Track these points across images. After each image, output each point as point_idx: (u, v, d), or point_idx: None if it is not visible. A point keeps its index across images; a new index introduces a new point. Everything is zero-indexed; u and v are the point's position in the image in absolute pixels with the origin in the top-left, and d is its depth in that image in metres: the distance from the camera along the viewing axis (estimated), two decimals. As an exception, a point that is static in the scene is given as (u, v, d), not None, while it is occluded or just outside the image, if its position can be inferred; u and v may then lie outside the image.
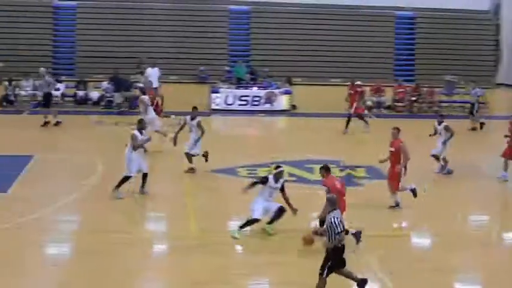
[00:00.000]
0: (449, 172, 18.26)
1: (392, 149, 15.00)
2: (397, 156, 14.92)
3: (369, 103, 27.80)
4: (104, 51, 33.31)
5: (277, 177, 13.25)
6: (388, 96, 28.83)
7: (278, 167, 13.44)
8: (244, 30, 36.06)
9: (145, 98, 20.23)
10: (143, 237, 13.46)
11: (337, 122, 23.77)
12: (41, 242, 12.99)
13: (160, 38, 34.09)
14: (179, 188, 16.62)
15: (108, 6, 34.80)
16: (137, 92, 22.47)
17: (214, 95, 27.15)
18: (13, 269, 11.55)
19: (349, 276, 10.67)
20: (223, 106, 27.03)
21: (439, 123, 18.48)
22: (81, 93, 27.05)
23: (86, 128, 23.73)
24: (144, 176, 15.41)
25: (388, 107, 28.36)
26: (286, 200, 13.34)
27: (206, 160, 17.61)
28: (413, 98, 28.60)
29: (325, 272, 10.22)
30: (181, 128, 17.68)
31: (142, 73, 27.41)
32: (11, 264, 11.73)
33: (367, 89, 27.77)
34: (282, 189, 13.34)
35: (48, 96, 23.11)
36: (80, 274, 11.47)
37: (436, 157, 18.33)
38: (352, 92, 23.85)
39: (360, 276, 10.76)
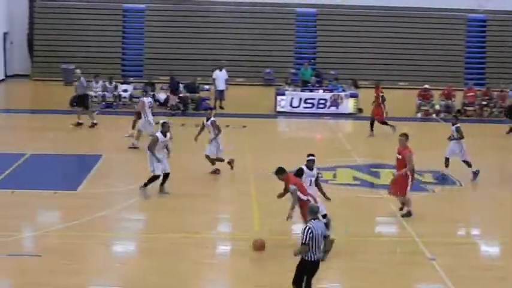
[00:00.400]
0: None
1: (400, 157, 14.62)
2: (404, 164, 14.53)
3: (437, 107, 27.21)
4: (171, 53, 33.77)
5: (309, 165, 13.21)
6: (457, 101, 28.11)
7: (310, 155, 13.35)
8: (310, 32, 35.86)
9: (146, 100, 20.39)
10: (209, 238, 13.54)
11: (403, 125, 23.33)
12: (108, 239, 13.24)
13: (226, 41, 34.28)
14: (244, 190, 16.63)
15: (175, 9, 35.22)
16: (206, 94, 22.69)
17: (279, 97, 27.11)
18: (80, 266, 11.80)
19: None
20: (288, 109, 26.96)
21: (453, 124, 17.99)
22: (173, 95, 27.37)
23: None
24: (165, 176, 15.58)
25: (458, 112, 27.66)
26: (320, 189, 13.37)
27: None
28: (484, 102, 27.84)
29: (303, 284, 9.87)
30: (201, 130, 17.87)
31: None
32: (79, 261, 11.98)
33: (437, 92, 27.16)
34: (316, 179, 13.33)
35: (83, 98, 23.44)
36: (145, 273, 11.61)
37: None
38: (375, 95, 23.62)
39: None
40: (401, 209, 14.79)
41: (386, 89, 25.06)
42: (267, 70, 33.71)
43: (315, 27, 35.75)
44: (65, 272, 11.47)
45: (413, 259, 12.63)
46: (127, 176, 17.77)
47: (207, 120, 17.67)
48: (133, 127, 20.76)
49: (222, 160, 17.54)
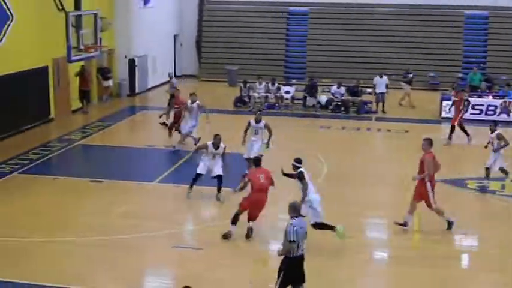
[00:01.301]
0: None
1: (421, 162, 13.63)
2: (423, 170, 13.44)
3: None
4: (333, 55, 33.68)
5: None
6: None
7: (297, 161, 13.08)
8: (481, 35, 34.14)
9: (190, 103, 19.91)
10: (366, 244, 13.29)
11: None
12: (265, 238, 13.34)
13: (389, 44, 33.56)
14: (403, 197, 16.10)
15: (338, 11, 35.07)
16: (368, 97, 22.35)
17: (445, 102, 26.06)
18: (239, 262, 11.97)
19: None
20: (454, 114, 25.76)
21: (492, 131, 16.72)
22: (310, 97, 27.50)
23: (311, 131, 24.10)
24: (218, 178, 15.31)
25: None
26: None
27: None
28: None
29: (277, 285, 9.66)
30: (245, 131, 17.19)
31: (407, 82, 27.66)
32: (237, 257, 12.18)
33: None
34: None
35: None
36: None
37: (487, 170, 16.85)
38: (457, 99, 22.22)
39: None
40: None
41: None
42: (432, 74, 32.59)
43: (486, 29, 33.99)
44: (224, 266, 11.73)
45: None
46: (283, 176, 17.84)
47: (258, 122, 17.06)
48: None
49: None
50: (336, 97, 27.10)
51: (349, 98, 27.02)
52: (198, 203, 15.59)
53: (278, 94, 27.68)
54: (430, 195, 13.54)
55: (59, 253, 12.35)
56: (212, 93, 31.47)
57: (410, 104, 27.91)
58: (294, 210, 9.88)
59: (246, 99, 27.87)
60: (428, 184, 13.54)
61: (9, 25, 21.08)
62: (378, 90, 26.87)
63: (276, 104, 27.56)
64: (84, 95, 25.57)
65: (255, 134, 17.07)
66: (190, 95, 20.21)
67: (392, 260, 12.68)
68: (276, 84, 28.03)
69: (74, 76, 25.16)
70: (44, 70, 23.36)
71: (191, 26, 36.32)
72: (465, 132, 21.80)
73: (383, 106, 26.78)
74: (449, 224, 13.69)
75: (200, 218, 15.05)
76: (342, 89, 27.21)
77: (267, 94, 27.77)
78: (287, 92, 27.95)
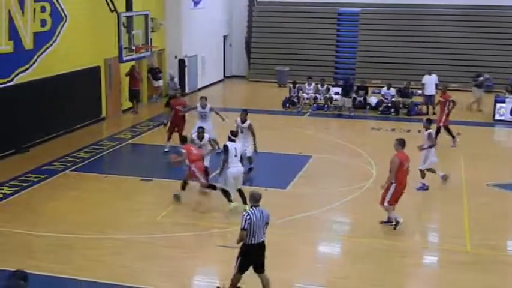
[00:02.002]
0: (424, 188, 16.13)
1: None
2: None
3: None
4: (383, 56, 33.31)
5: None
6: None
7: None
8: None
9: (201, 108, 19.17)
10: (416, 247, 13.08)
11: None
12: (311, 239, 13.31)
13: (441, 44, 32.99)
14: (455, 201, 15.84)
15: (389, 12, 34.65)
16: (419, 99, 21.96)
17: (499, 105, 25.51)
18: (286, 263, 11.96)
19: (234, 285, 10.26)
20: (508, 117, 25.21)
21: (426, 129, 16.32)
22: (360, 98, 27.28)
23: (362, 133, 23.91)
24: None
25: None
26: None
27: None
28: None
29: (235, 269, 10.13)
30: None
31: (478, 86, 27.23)
32: (284, 258, 12.16)
33: None
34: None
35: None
36: (345, 275, 11.54)
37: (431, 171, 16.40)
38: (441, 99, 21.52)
39: None
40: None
41: None
42: (486, 75, 31.84)
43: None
44: (270, 267, 11.69)
45: None
46: (334, 177, 17.77)
47: (243, 122, 17.33)
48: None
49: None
50: (386, 98, 26.81)
51: (400, 99, 26.70)
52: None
53: (327, 95, 27.52)
54: (388, 193, 13.44)
55: (109, 250, 12.51)
56: (261, 94, 31.59)
57: (477, 107, 27.19)
58: (252, 199, 10.25)
59: (295, 100, 27.80)
60: (394, 185, 13.37)
61: (63, 26, 21.56)
62: (426, 92, 26.43)
63: (325, 105, 27.40)
64: (135, 95, 25.91)
65: (241, 132, 17.21)
66: (201, 98, 19.57)
67: (442, 265, 12.43)
68: (326, 85, 27.88)
69: (124, 76, 25.55)
70: (96, 70, 23.77)
71: (241, 27, 36.45)
72: (450, 133, 21.25)
73: (433, 108, 26.34)
74: (396, 223, 13.56)
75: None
76: (392, 91, 26.89)
77: (316, 95, 27.64)
78: (336, 93, 27.76)
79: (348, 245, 13.19)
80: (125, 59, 22.23)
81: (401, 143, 13.67)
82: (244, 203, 14.08)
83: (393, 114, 26.36)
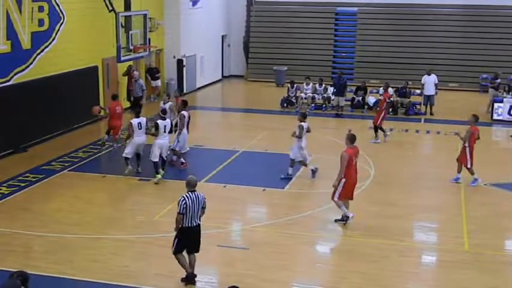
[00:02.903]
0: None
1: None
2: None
3: None
4: (381, 56, 33.31)
5: None
6: None
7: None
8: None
9: (183, 114, 18.01)
10: (414, 247, 13.08)
11: None
12: (310, 239, 13.30)
13: (438, 44, 33.00)
14: (453, 201, 15.86)
15: (387, 11, 34.64)
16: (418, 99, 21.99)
17: (496, 104, 25.52)
18: (284, 263, 11.96)
19: (182, 265, 10.82)
20: (506, 117, 25.24)
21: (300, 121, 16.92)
22: (358, 98, 27.27)
23: (360, 132, 23.79)
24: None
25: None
26: None
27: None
28: None
29: (172, 250, 10.79)
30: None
31: (495, 88, 27.12)
32: (283, 257, 12.16)
33: None
34: None
35: (139, 100, 23.98)
36: (345, 275, 11.52)
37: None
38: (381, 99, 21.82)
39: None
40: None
41: None
42: (484, 75, 31.92)
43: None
44: (270, 267, 11.71)
45: None
46: (333, 177, 17.70)
47: (164, 104, 18.91)
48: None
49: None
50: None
51: (398, 99, 26.70)
52: (245, 203, 15.60)
53: (325, 95, 27.51)
54: (337, 190, 13.50)
55: (107, 250, 12.50)
56: (259, 94, 31.58)
57: (487, 109, 26.95)
58: (188, 185, 10.66)
59: (293, 100, 27.79)
60: (343, 180, 13.38)
61: (61, 25, 21.53)
62: (426, 92, 26.43)
63: (323, 105, 27.39)
64: (132, 95, 25.83)
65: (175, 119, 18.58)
66: (183, 102, 18.59)
67: (440, 265, 12.43)
68: (324, 85, 27.88)
69: (121, 76, 25.50)
70: (93, 70, 23.73)
71: (239, 27, 36.43)
72: (376, 133, 21.41)
73: (431, 109, 26.34)
74: (345, 219, 13.65)
75: (246, 218, 15.02)
76: (391, 90, 26.85)
77: (314, 95, 27.64)
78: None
79: (346, 245, 13.18)
80: (122, 59, 22.21)
81: (350, 137, 13.65)
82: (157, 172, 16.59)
83: (391, 113, 26.33)
